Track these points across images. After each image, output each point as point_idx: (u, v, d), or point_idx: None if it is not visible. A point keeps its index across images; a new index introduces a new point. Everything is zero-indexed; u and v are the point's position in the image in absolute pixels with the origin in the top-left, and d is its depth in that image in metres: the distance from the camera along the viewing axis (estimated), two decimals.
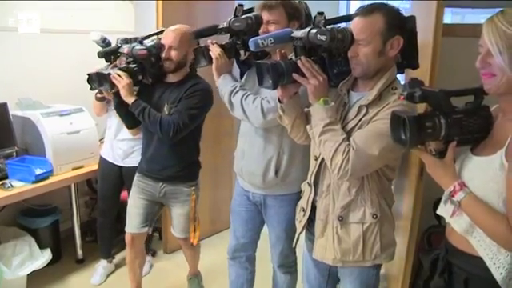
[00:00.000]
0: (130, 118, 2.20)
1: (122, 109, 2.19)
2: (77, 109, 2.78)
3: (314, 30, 1.41)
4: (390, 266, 2.34)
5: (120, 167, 2.65)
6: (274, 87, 1.48)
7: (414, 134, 1.15)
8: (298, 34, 1.49)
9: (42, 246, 2.69)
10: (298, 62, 1.44)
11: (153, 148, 2.25)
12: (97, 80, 2.13)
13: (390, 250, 1.57)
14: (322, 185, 1.59)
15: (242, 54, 1.95)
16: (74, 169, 2.76)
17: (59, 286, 2.77)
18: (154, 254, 3.15)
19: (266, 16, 1.80)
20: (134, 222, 2.34)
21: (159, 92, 2.22)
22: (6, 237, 2.65)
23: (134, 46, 2.14)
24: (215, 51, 1.88)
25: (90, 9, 3.16)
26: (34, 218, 2.85)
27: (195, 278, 2.67)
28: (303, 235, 1.76)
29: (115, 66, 2.19)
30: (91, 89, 2.17)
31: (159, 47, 2.16)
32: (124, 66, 2.16)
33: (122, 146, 2.62)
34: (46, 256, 2.66)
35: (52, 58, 2.97)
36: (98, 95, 2.25)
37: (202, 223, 3.17)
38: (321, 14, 1.45)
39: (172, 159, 2.24)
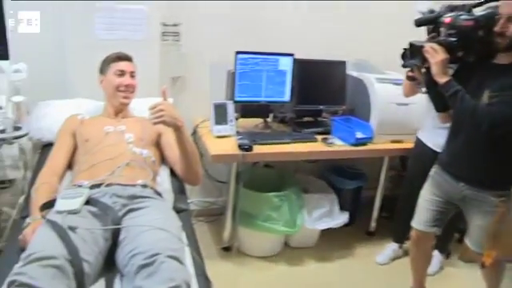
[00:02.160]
0: (439, 99, 1.88)
1: (433, 88, 1.88)
2: None
3: None
4: None
5: (437, 153, 2.37)
6: None
7: None
8: None
9: (340, 207, 2.72)
10: None
11: (460, 140, 1.91)
12: (409, 52, 1.89)
13: None
14: None
15: None
16: (392, 141, 2.64)
17: (346, 252, 2.80)
18: (448, 256, 2.81)
19: None
20: (421, 218, 2.11)
21: (481, 75, 1.81)
22: (314, 188, 2.80)
23: (458, 15, 1.78)
24: None
25: None
26: (342, 178, 2.91)
27: None
28: None
29: (433, 38, 1.87)
30: (402, 66, 1.95)
31: (492, 17, 1.71)
32: (442, 38, 1.82)
33: (444, 135, 2.32)
34: (343, 218, 2.68)
35: (392, 23, 2.84)
36: (409, 73, 2.01)
37: None
38: None
39: (481, 159, 1.85)
